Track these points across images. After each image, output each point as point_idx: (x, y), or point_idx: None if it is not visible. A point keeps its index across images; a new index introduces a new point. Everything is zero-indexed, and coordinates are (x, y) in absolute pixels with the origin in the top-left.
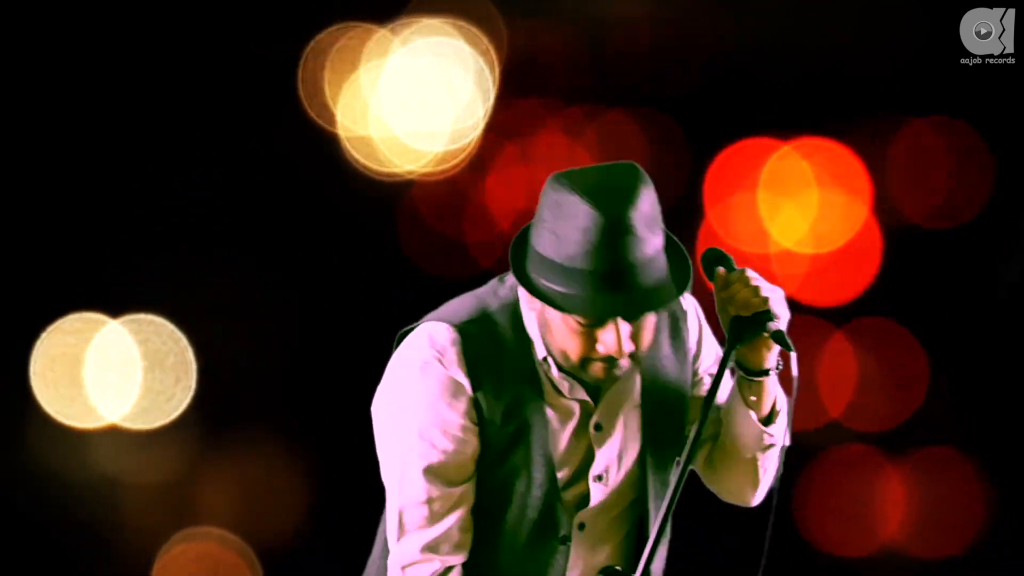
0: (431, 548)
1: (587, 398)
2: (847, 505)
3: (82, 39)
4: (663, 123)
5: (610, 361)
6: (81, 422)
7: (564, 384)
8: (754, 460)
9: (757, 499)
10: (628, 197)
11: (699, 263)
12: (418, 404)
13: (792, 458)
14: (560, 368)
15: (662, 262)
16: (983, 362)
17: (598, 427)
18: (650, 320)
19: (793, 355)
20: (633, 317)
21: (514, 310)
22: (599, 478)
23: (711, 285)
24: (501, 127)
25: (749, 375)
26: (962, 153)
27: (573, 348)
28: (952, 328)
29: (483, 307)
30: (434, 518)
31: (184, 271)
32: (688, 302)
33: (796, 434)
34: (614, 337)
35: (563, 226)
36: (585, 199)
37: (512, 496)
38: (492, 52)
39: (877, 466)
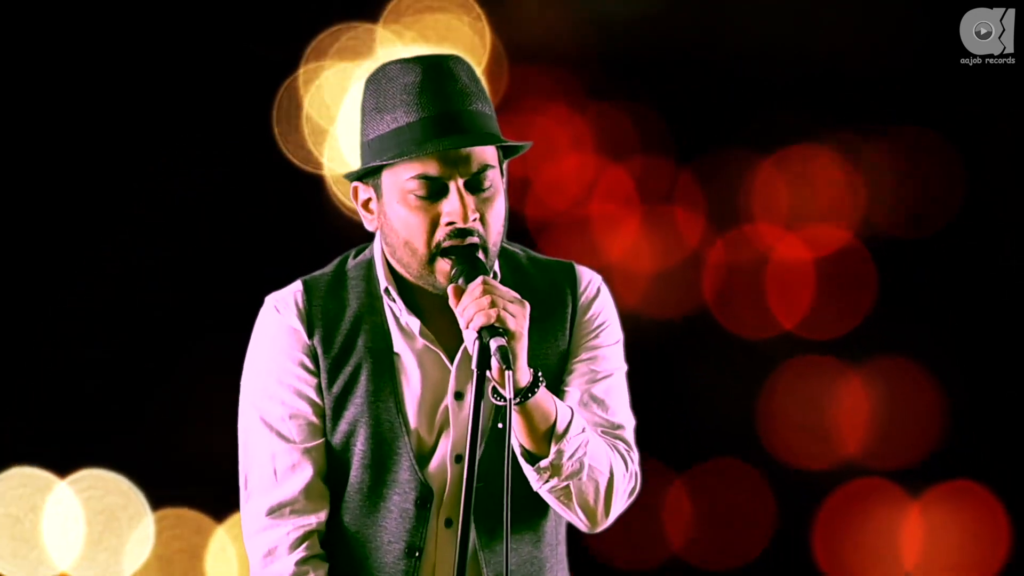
0: (276, 511)
1: (437, 348)
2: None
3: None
4: (655, 121)
5: (460, 235)
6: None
7: (413, 323)
8: (545, 495)
9: (594, 527)
10: (447, 58)
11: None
12: (257, 357)
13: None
14: (405, 299)
15: (492, 121)
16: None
17: (458, 396)
18: (497, 207)
19: (508, 374)
20: (465, 144)
21: (368, 264)
22: (458, 459)
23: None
24: None
25: (496, 399)
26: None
27: (417, 231)
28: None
29: (341, 261)
30: (279, 479)
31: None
32: (588, 291)
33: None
34: (457, 202)
35: (385, 97)
36: (403, 62)
37: (357, 443)
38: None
39: (895, 501)
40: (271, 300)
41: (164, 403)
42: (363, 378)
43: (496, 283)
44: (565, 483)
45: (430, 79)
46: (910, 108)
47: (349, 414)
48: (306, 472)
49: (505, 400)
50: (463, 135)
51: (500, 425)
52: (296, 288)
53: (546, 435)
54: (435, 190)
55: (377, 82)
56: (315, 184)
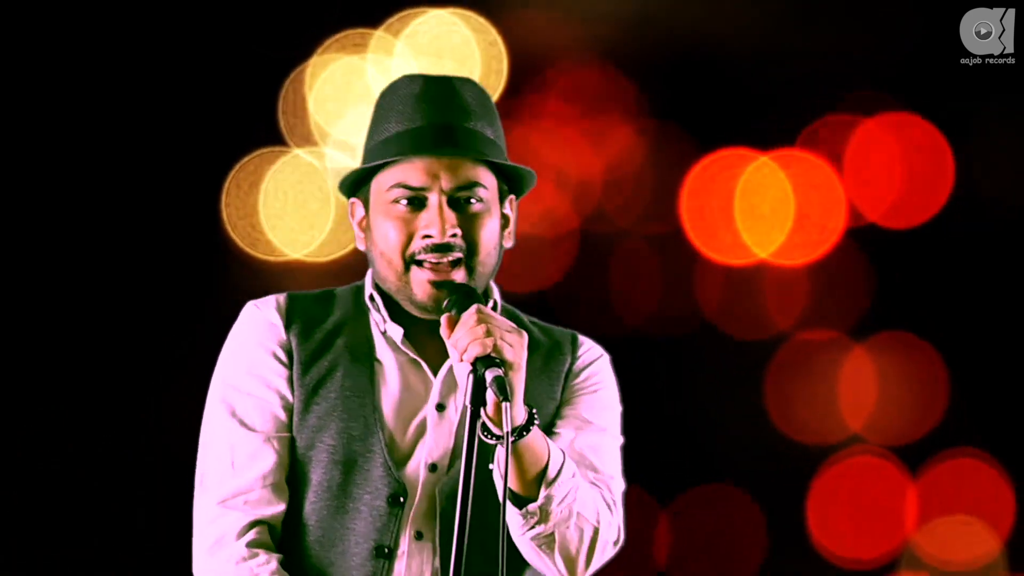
0: (229, 500)
1: (420, 360)
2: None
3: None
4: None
5: (439, 251)
6: None
7: (395, 331)
8: (526, 542)
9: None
10: (458, 77)
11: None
12: (230, 351)
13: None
14: (388, 306)
15: (493, 143)
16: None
17: (439, 407)
18: (487, 229)
19: (505, 406)
20: (447, 153)
21: (358, 286)
22: (432, 468)
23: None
24: None
25: (487, 436)
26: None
27: (394, 241)
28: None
29: (331, 289)
30: (236, 468)
31: None
32: (588, 355)
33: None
34: (435, 214)
35: (386, 108)
36: (412, 76)
37: (327, 438)
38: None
39: (897, 475)
40: (251, 302)
41: None
42: (339, 373)
43: (492, 312)
44: (551, 530)
45: (431, 92)
46: (910, 108)
47: (320, 408)
48: (266, 461)
49: (498, 438)
50: (450, 147)
51: (491, 466)
52: (279, 295)
53: (536, 478)
54: (416, 201)
55: (384, 95)
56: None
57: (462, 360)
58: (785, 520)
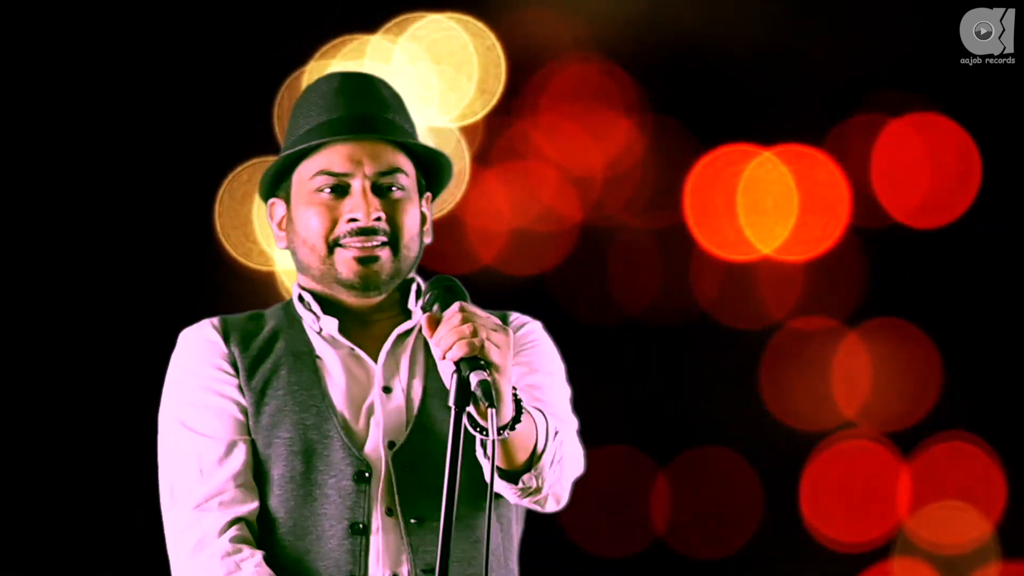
0: (203, 504)
1: (353, 347)
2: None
3: None
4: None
5: (364, 234)
6: None
7: (329, 323)
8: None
9: (556, 509)
10: (373, 75)
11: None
12: (175, 375)
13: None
14: (319, 301)
15: (408, 132)
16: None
17: (386, 390)
18: (409, 214)
19: (491, 412)
20: (367, 136)
21: (287, 302)
22: (391, 445)
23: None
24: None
25: (476, 430)
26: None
27: (318, 229)
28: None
29: (257, 311)
30: (205, 474)
31: None
32: (519, 320)
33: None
34: (360, 198)
35: (304, 106)
36: (328, 74)
37: (283, 432)
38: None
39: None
40: (185, 330)
41: None
42: (284, 371)
43: (477, 309)
44: (546, 493)
45: (349, 86)
46: (909, 108)
47: (271, 407)
48: (234, 462)
49: (485, 433)
50: (372, 131)
51: (483, 460)
52: (211, 318)
53: (528, 458)
54: (339, 188)
55: (303, 93)
56: None
57: (444, 359)
58: (779, 503)
